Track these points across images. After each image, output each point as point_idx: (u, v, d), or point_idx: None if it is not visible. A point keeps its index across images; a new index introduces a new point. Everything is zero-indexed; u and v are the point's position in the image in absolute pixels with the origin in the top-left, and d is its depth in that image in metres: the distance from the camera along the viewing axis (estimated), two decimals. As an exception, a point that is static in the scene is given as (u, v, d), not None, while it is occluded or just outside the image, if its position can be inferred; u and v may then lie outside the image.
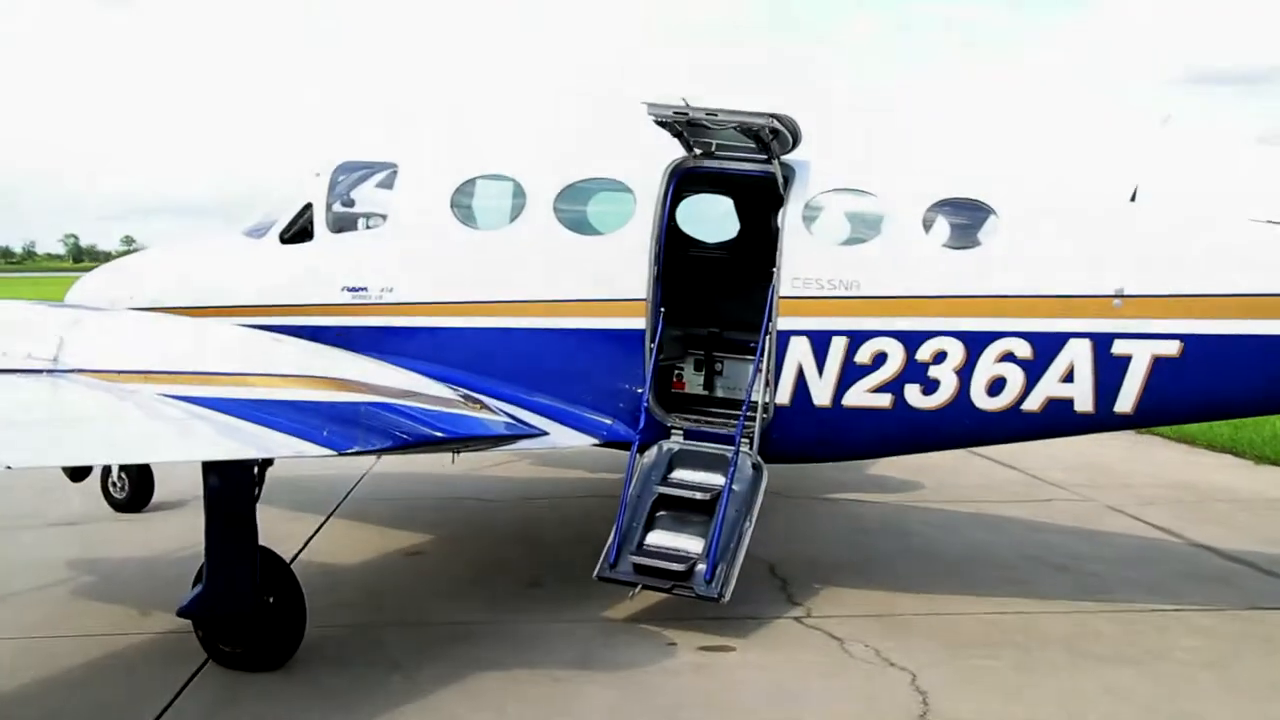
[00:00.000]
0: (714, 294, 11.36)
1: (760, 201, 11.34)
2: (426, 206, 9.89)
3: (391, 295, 9.94)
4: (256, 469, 10.27)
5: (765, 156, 8.92)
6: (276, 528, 10.69)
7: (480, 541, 11.72)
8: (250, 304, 10.61)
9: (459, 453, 8.06)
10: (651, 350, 9.05)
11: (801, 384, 8.73)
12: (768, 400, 8.84)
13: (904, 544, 11.66)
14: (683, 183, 9.63)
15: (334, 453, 6.43)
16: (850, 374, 8.58)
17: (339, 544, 11.36)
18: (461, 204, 9.88)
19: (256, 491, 8.85)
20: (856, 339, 8.55)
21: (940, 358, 8.39)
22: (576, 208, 9.63)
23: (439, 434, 6.71)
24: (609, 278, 9.18)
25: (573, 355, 9.34)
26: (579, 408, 9.35)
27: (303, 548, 11.09)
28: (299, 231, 10.62)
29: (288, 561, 8.05)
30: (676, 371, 10.69)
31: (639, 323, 9.08)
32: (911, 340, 8.43)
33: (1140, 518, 12.92)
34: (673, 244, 10.76)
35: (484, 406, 7.41)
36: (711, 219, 11.96)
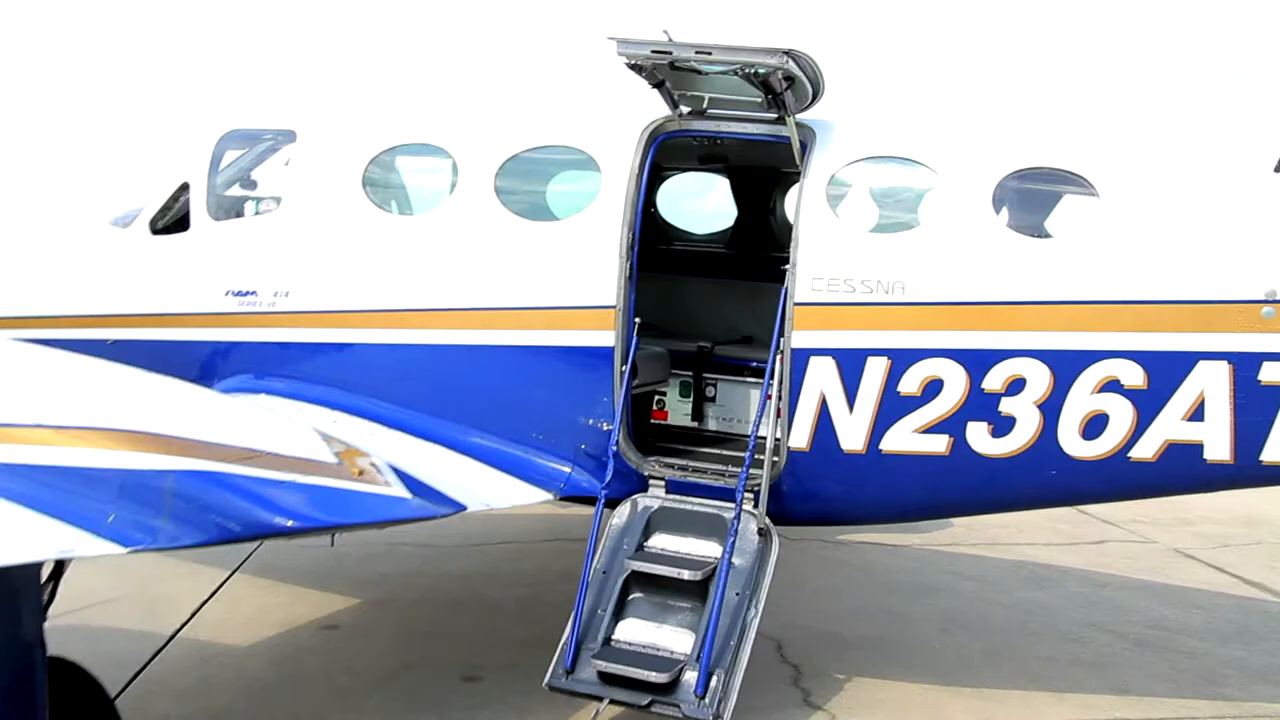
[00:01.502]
0: (705, 299, 9.09)
1: (768, 176, 9.02)
2: (331, 185, 7.57)
3: (287, 301, 7.61)
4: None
5: (776, 114, 6.63)
6: (162, 588, 8.98)
7: (415, 609, 9.38)
8: (108, 313, 8.28)
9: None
10: (623, 374, 6.76)
11: (825, 421, 6.44)
12: (779, 441, 6.55)
13: (938, 607, 9.40)
14: (665, 152, 7.35)
15: (122, 549, 4.11)
16: (892, 408, 6.31)
17: (236, 613, 8.99)
18: (377, 181, 7.57)
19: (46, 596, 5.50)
20: (901, 360, 6.28)
21: (1016, 386, 6.12)
22: (524, 186, 7.34)
23: (286, 522, 4.38)
24: (566, 278, 6.90)
25: (517, 381, 7.05)
26: (526, 450, 7.07)
27: (186, 623, 8.70)
28: (174, 219, 8.27)
29: (111, 692, 5.67)
30: (657, 398, 8.38)
31: (605, 337, 6.79)
32: (977, 362, 6.17)
33: (1219, 566, 10.70)
34: (651, 234, 8.47)
35: (372, 468, 5.06)
36: (702, 201, 9.66)
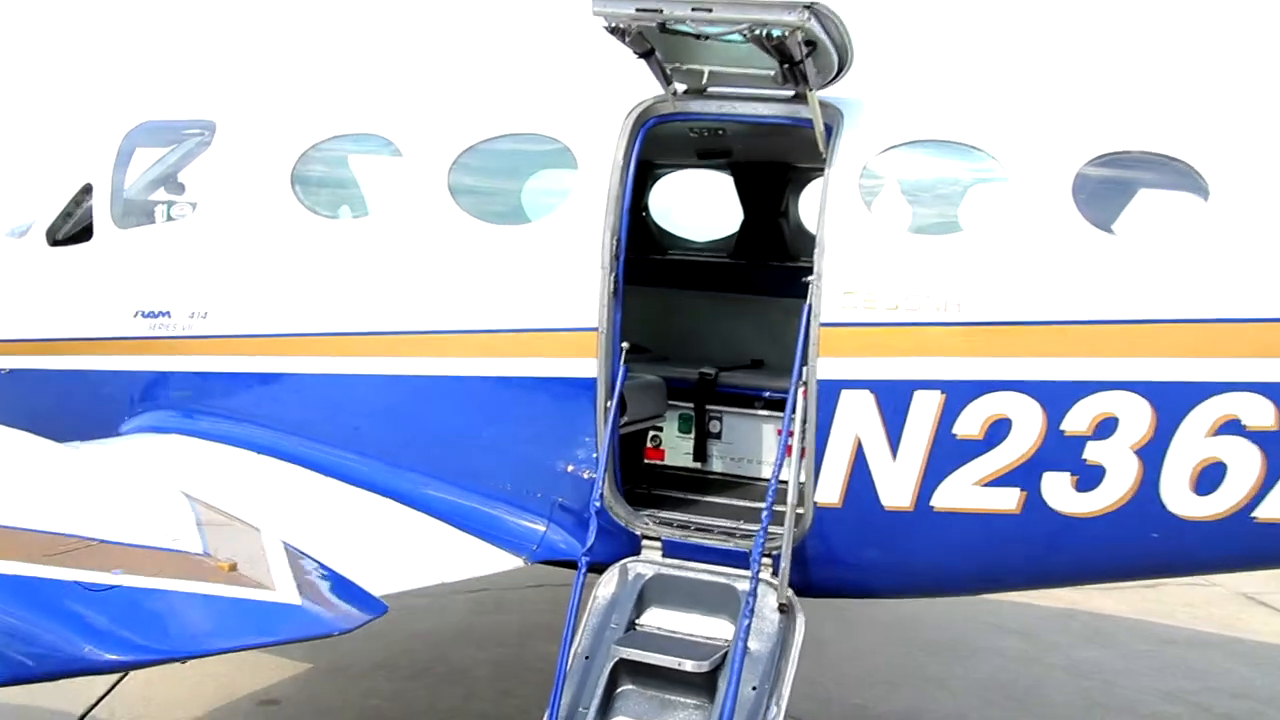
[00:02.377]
0: (707, 318, 7.81)
1: (780, 172, 7.74)
2: (255, 185, 6.28)
3: (205, 324, 6.32)
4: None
5: (793, 90, 5.34)
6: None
7: (370, 678, 8.03)
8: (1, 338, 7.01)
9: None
10: (608, 411, 5.46)
11: (862, 470, 5.14)
12: (803, 493, 5.24)
13: (982, 672, 8.08)
14: (657, 144, 6.08)
15: None
16: (947, 454, 5.01)
17: (163, 687, 7.64)
18: (309, 180, 6.27)
19: None
20: (957, 395, 4.98)
21: (1107, 427, 4.82)
22: (485, 183, 6.05)
23: (100, 654, 3.02)
24: (537, 294, 5.62)
25: (479, 419, 5.77)
26: (490, 504, 5.78)
27: (101, 699, 7.37)
28: (76, 228, 6.98)
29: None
30: (652, 434, 7.07)
31: (586, 366, 5.50)
32: (1055, 397, 4.86)
33: (1297, 615, 9.37)
34: (641, 241, 7.20)
35: (257, 557, 3.70)
36: (702, 200, 8.37)
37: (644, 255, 7.94)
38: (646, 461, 7.05)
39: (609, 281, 5.44)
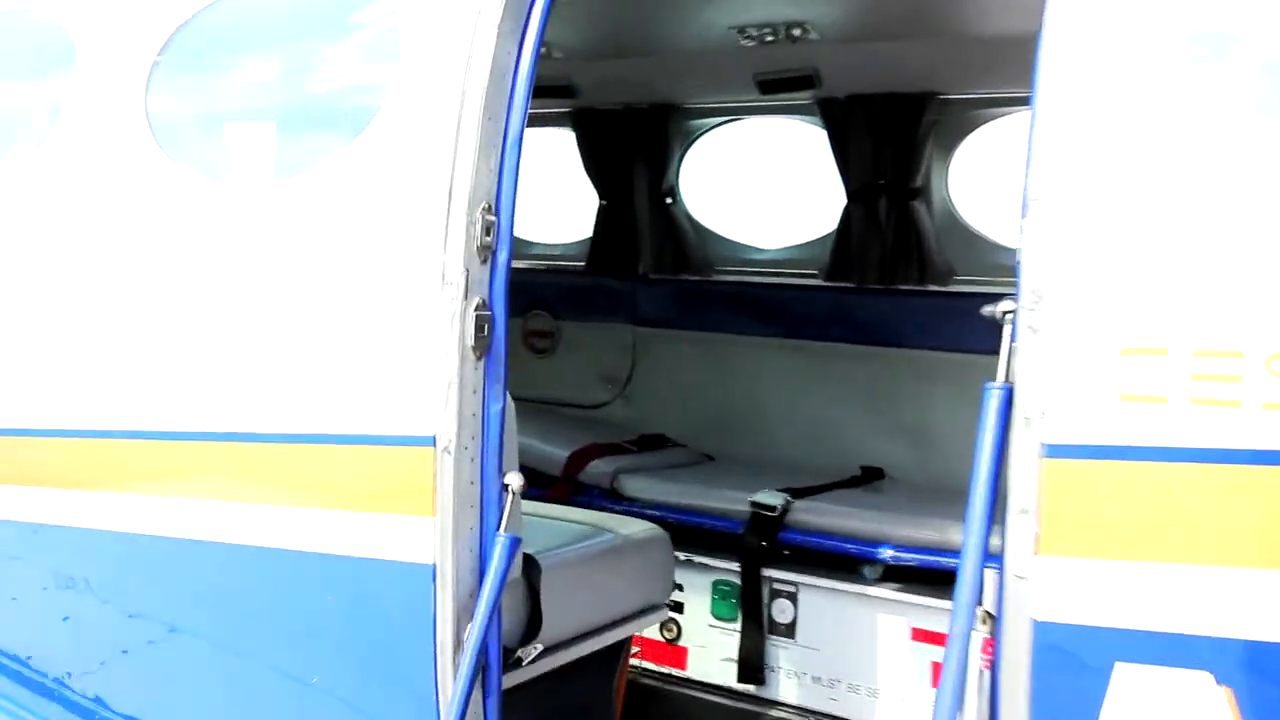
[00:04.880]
0: (780, 388, 4.37)
1: (916, 106, 4.10)
2: None
3: None
4: None
5: None
6: None
7: None
8: None
9: None
10: (466, 642, 2.03)
11: None
12: None
13: None
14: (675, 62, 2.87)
15: None
16: None
17: None
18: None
19: None
20: None
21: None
22: (195, 101, 2.72)
23: None
24: (280, 356, 2.23)
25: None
26: None
27: None
28: None
29: None
30: (666, 621, 3.58)
31: (404, 535, 2.08)
32: None
33: None
34: (667, 251, 4.11)
35: None
36: (774, 183, 4.93)
37: (671, 276, 4.58)
38: (641, 673, 3.59)
39: (465, 319, 2.10)
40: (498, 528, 2.23)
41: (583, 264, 4.82)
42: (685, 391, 4.61)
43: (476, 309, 2.17)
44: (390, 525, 2.25)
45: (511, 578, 2.37)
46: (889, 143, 4.04)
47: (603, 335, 4.83)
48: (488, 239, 2.18)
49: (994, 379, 1.91)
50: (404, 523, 2.23)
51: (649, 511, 3.79)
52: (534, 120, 4.78)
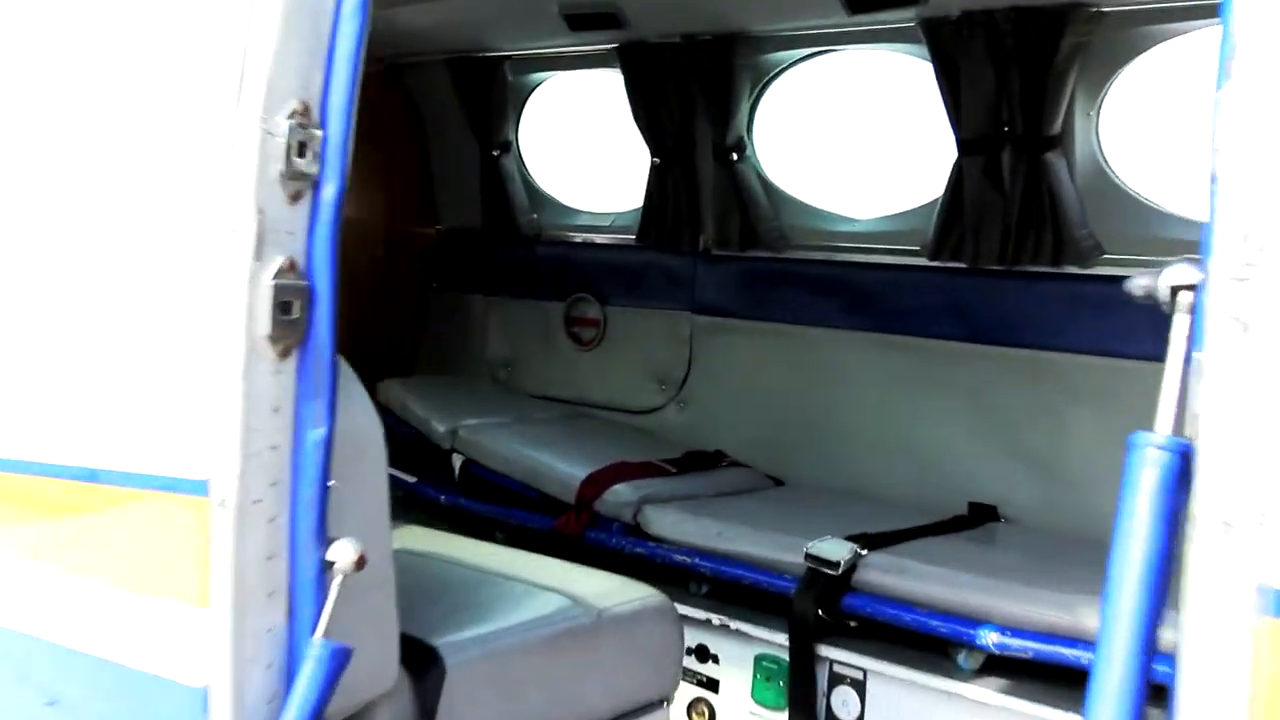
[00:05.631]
0: (865, 397, 3.43)
1: (1056, 21, 3.04)
2: None
3: None
4: None
5: None
6: None
7: None
8: None
9: None
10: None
11: None
12: None
13: None
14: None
15: None
16: None
17: None
18: None
19: None
20: None
21: None
22: None
23: None
24: None
25: None
26: None
27: None
28: None
29: None
30: (696, 700, 2.70)
31: (180, 633, 1.25)
32: None
33: None
34: (732, 222, 3.75)
35: None
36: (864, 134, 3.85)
37: (739, 253, 3.68)
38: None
39: (256, 292, 1.27)
40: (313, 629, 1.38)
41: (633, 238, 3.95)
42: (751, 396, 3.70)
43: (278, 276, 1.33)
44: (152, 616, 1.43)
45: (387, 691, 1.54)
46: (1017, 75, 3.03)
47: (655, 324, 3.96)
48: (301, 162, 1.33)
49: (1150, 417, 0.99)
50: (169, 615, 1.40)
51: (677, 556, 2.91)
52: (574, 61, 3.95)
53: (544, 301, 4.25)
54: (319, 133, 1.36)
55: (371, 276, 4.29)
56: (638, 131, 3.81)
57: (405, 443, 3.78)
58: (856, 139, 4.04)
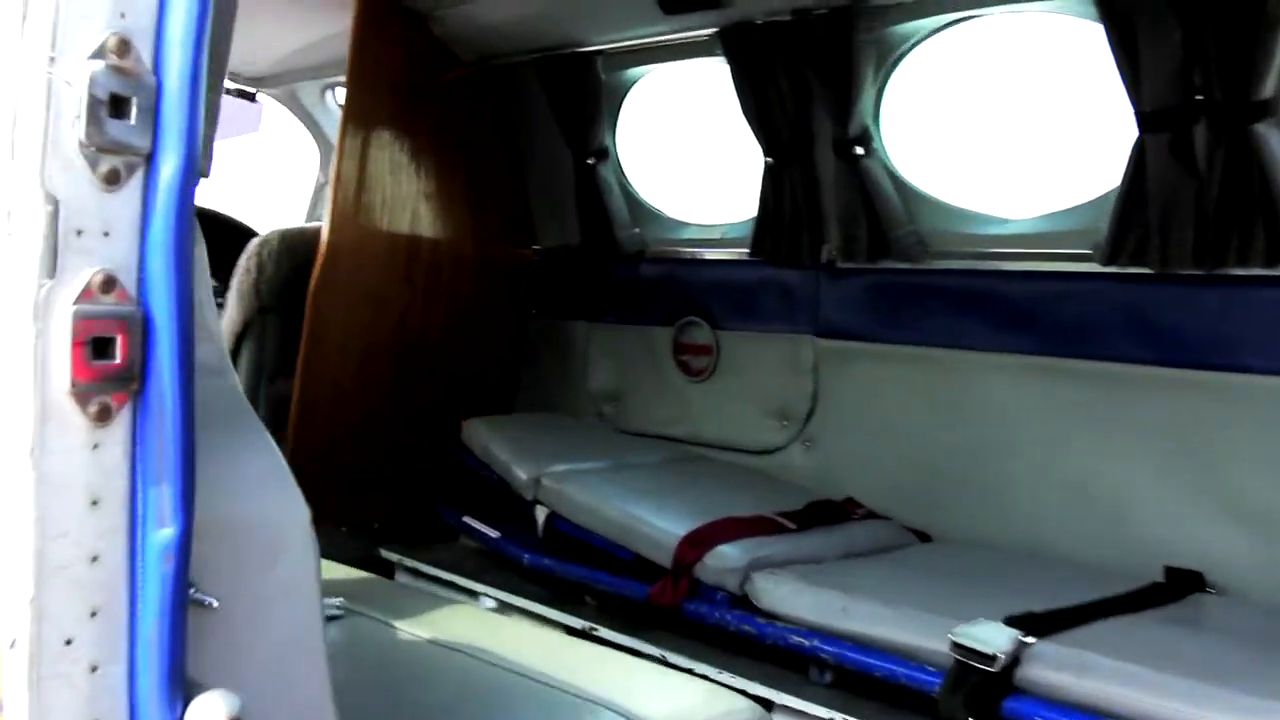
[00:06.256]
0: (1032, 434, 2.80)
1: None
2: None
3: None
4: None
5: None
6: None
7: None
8: None
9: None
10: None
11: None
12: None
13: None
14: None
15: None
16: None
17: None
18: None
19: None
20: None
21: None
22: None
23: None
24: None
25: None
26: None
27: None
28: None
29: None
30: None
31: None
32: None
33: None
34: (859, 227, 3.08)
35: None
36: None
37: (869, 265, 3.13)
38: None
39: (47, 328, 0.81)
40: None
41: (746, 252, 3.42)
42: (890, 433, 3.12)
43: (85, 299, 0.86)
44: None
45: None
46: (1211, 31, 2.40)
47: (774, 350, 3.41)
48: (117, 125, 0.87)
49: None
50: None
51: (793, 637, 2.36)
52: (671, 52, 3.42)
53: (649, 327, 3.75)
54: (151, 80, 0.89)
55: (465, 305, 3.86)
56: (747, 128, 3.30)
57: (491, 491, 3.34)
58: (1006, 125, 3.41)
